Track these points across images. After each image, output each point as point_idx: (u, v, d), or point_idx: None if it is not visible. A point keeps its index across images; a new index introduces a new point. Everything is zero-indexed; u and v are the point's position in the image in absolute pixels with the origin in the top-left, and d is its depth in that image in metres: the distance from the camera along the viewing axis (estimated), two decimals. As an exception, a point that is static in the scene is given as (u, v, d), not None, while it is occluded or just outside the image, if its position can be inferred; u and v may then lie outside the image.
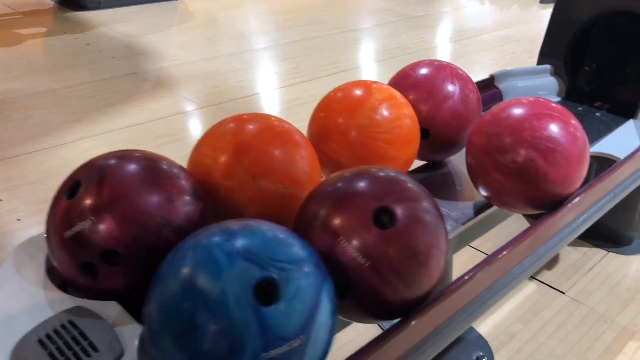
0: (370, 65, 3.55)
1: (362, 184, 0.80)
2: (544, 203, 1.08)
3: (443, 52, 3.84)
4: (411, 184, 0.83)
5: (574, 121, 1.07)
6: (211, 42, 3.82)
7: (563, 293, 1.64)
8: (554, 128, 1.03)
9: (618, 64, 1.90)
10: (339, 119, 1.13)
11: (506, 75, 1.79)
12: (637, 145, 1.47)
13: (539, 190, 1.05)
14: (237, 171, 0.91)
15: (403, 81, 1.30)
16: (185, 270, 0.64)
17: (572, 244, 1.86)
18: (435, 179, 1.32)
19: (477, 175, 1.12)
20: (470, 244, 1.79)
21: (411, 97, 1.27)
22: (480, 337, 1.46)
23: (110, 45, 3.66)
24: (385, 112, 1.12)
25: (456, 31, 4.40)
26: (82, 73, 3.17)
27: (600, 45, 1.90)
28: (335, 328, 0.71)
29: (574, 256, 1.80)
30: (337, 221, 0.77)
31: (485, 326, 1.51)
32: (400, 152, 1.14)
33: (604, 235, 1.87)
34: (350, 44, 3.85)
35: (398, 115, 1.14)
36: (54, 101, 2.81)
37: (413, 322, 0.80)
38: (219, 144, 0.94)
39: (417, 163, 1.37)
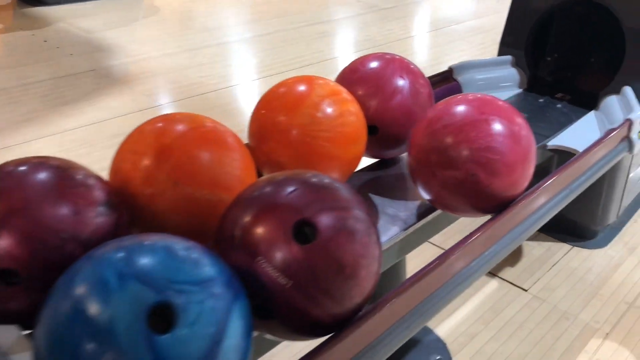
0: (338, 58, 3.48)
1: (284, 194, 0.73)
2: (491, 208, 1.02)
3: (411, 44, 3.79)
4: (340, 191, 0.76)
5: (518, 119, 1.02)
6: (175, 36, 3.72)
7: (525, 290, 1.60)
8: (494, 136, 0.97)
9: (580, 53, 1.86)
10: (278, 117, 1.06)
11: (465, 67, 1.74)
12: (596, 138, 1.42)
13: (483, 200, 1.00)
14: (158, 177, 0.84)
15: (350, 76, 1.24)
16: (73, 294, 0.57)
17: (536, 238, 1.82)
18: (386, 178, 1.26)
19: (418, 184, 1.07)
20: (432, 242, 1.74)
21: (360, 92, 1.21)
22: (438, 339, 1.42)
23: (69, 41, 3.54)
24: (327, 110, 1.06)
25: (426, 22, 4.36)
26: (37, 71, 3.05)
27: (562, 35, 1.86)
28: (250, 349, 0.64)
29: (537, 251, 1.76)
30: (255, 237, 0.70)
31: (444, 328, 1.47)
32: (343, 151, 1.08)
33: (568, 229, 1.84)
34: (318, 37, 3.78)
35: (341, 113, 1.07)
36: (5, 101, 2.70)
37: (345, 339, 0.74)
38: (139, 147, 0.87)
39: (369, 161, 1.31)
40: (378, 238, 0.78)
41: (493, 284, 1.62)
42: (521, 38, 1.79)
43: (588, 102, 1.70)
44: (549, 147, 1.48)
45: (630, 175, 1.78)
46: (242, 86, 3.00)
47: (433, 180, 1.02)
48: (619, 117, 1.51)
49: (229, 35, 3.80)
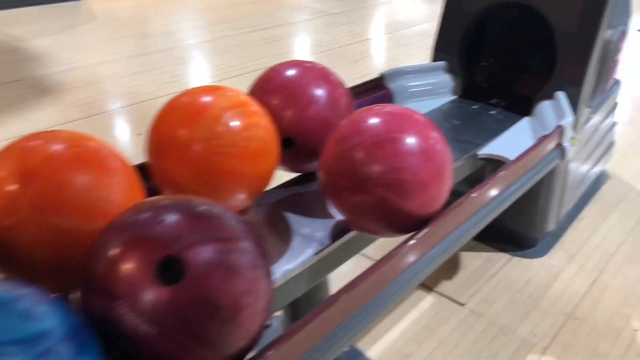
0: (282, 64, 3.40)
1: (152, 225, 0.63)
2: (409, 228, 0.95)
3: (360, 49, 3.73)
4: (223, 220, 0.67)
5: (433, 133, 0.95)
6: (112, 43, 3.57)
7: (462, 305, 1.54)
8: (404, 155, 0.90)
9: (515, 58, 1.82)
10: (177, 131, 0.96)
11: (397, 74, 1.67)
12: (528, 145, 1.37)
13: (398, 222, 0.93)
14: (19, 205, 0.73)
15: (265, 85, 1.16)
16: None
17: (475, 249, 1.77)
18: (305, 194, 1.18)
19: (330, 205, 1.00)
20: (366, 254, 1.66)
21: (274, 102, 1.13)
22: (369, 363, 1.34)
23: (-4, 49, 3.36)
24: (230, 123, 0.96)
25: (375, 27, 4.31)
26: (-41, 81, 2.87)
27: (496, 40, 1.82)
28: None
29: (476, 262, 1.71)
30: (115, 277, 0.61)
31: (376, 349, 1.39)
32: (251, 167, 0.99)
33: (508, 238, 1.79)
34: (261, 44, 3.68)
35: (247, 125, 0.98)
36: None
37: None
38: (0, 171, 0.76)
39: (289, 175, 1.22)
40: (268, 271, 0.70)
41: (429, 299, 1.55)
42: (454, 43, 1.74)
43: (523, 108, 1.65)
44: (479, 156, 1.42)
45: (569, 180, 1.74)
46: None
47: (343, 204, 0.95)
48: (551, 123, 1.47)
49: (170, 42, 3.67)
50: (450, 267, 1.67)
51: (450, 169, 0.97)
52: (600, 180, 2.19)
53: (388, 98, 1.65)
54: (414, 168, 0.91)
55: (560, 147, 1.39)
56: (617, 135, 2.59)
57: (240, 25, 4.02)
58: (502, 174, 1.18)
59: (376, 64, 3.51)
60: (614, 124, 2.12)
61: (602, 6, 1.48)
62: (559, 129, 1.38)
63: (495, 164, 1.43)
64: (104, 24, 4.00)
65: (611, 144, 2.17)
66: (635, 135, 2.59)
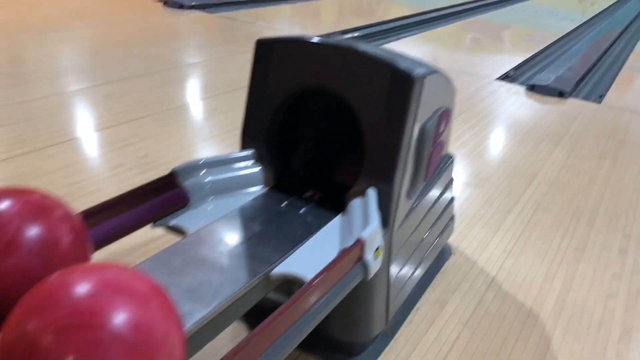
0: (114, 127, 3.06)
1: None
2: None
3: (211, 105, 3.49)
4: None
5: (153, 304, 0.71)
6: None
7: None
8: (100, 347, 0.66)
9: (331, 145, 1.65)
10: None
11: (192, 168, 1.44)
12: (331, 258, 1.18)
13: None
14: None
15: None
16: None
17: (297, 362, 1.55)
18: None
19: None
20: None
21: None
22: None
23: None
24: None
25: (235, 80, 4.09)
26: None
27: (311, 125, 1.65)
28: None
29: (295, 382, 1.48)
30: None
31: None
32: None
33: (334, 346, 1.59)
34: (97, 101, 3.34)
35: None
36: None
37: None
38: None
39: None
40: None
41: None
42: (263, 129, 1.54)
43: (340, 201, 1.48)
44: (272, 278, 1.21)
45: (394, 276, 1.58)
46: (-14, 169, 2.47)
47: None
48: (358, 229, 1.29)
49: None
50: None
51: (175, 353, 0.73)
52: (442, 257, 2.08)
53: (182, 199, 1.40)
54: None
55: (362, 262, 1.21)
56: (465, 199, 2.53)
57: (76, 80, 3.65)
58: (288, 309, 0.98)
59: (225, 123, 3.28)
60: (451, 200, 2.02)
61: (408, 96, 1.34)
62: (359, 243, 1.20)
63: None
64: None
65: (451, 219, 2.07)
66: (483, 200, 2.54)
